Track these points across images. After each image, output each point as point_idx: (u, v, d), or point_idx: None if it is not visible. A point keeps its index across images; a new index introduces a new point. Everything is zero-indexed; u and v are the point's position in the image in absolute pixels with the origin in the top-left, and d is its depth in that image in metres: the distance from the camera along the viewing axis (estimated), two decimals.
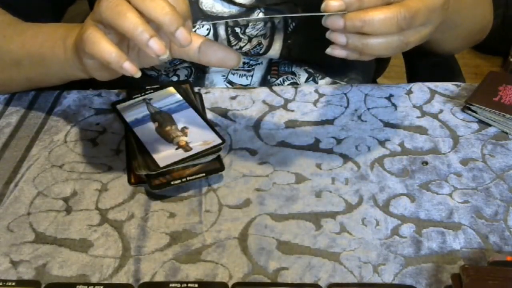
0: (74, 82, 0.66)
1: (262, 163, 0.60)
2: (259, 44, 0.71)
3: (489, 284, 0.43)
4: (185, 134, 0.59)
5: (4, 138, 0.64)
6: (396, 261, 0.50)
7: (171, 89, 0.67)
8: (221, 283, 0.48)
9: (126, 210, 0.55)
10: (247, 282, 0.48)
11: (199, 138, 0.59)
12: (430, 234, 0.52)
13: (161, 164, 0.55)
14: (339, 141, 0.63)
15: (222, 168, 0.57)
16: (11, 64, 0.64)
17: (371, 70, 0.86)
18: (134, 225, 0.53)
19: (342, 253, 0.51)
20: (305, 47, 0.73)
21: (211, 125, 0.61)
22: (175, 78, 0.76)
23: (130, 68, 0.48)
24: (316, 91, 0.70)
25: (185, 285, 0.47)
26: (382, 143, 0.63)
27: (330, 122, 0.66)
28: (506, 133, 0.64)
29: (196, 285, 0.47)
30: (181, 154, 0.57)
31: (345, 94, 0.70)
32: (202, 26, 0.69)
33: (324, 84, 0.77)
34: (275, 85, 0.76)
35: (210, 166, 0.57)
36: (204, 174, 0.56)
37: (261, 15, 0.69)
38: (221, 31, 0.70)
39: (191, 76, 0.75)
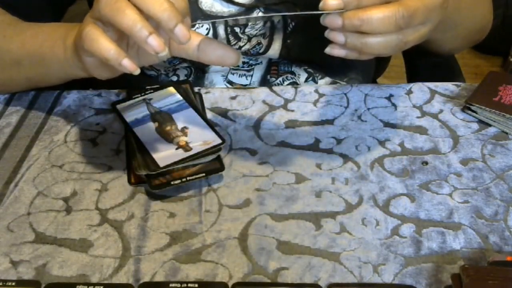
0: (74, 82, 0.66)
1: (262, 163, 0.60)
2: (259, 43, 0.71)
3: (489, 284, 0.43)
4: (185, 134, 0.59)
5: (4, 138, 0.64)
6: (396, 261, 0.50)
7: (171, 89, 0.67)
8: (221, 283, 0.48)
9: (126, 210, 0.55)
10: (247, 282, 0.48)
11: (199, 138, 0.59)
12: (430, 234, 0.52)
13: (161, 164, 0.55)
14: (339, 141, 0.63)
15: (222, 168, 0.57)
16: (11, 64, 0.64)
17: (371, 70, 0.86)
18: (134, 225, 0.53)
19: (342, 253, 0.51)
20: (304, 47, 0.73)
21: (211, 125, 0.61)
22: (174, 78, 0.76)
23: (129, 65, 0.48)
24: (316, 91, 0.71)
25: (185, 285, 0.47)
26: (382, 143, 0.63)
27: (330, 122, 0.66)
28: (506, 133, 0.64)
29: (196, 285, 0.47)
30: (181, 154, 0.57)
31: (345, 94, 0.70)
32: (202, 26, 0.69)
33: (324, 84, 0.77)
34: (275, 85, 0.76)
35: (210, 166, 0.57)
36: (204, 174, 0.56)
37: (260, 15, 0.69)
38: (221, 30, 0.70)
39: (191, 76, 0.75)
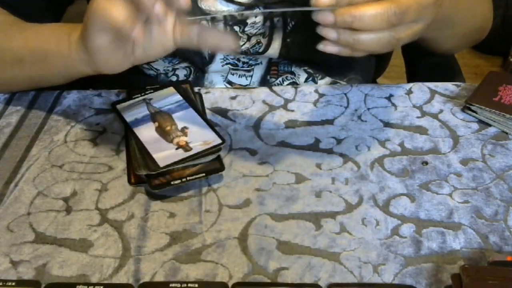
0: (74, 82, 0.66)
1: (262, 163, 0.60)
2: (258, 43, 0.71)
3: (489, 284, 0.43)
4: (185, 134, 0.59)
5: (4, 138, 0.64)
6: (396, 261, 0.50)
7: (171, 89, 0.67)
8: (221, 283, 0.48)
9: (126, 210, 0.55)
10: (247, 282, 0.48)
11: (199, 138, 0.59)
12: (430, 234, 0.52)
13: (161, 164, 0.55)
14: (339, 141, 0.63)
15: (222, 168, 0.57)
16: (13, 62, 0.64)
17: (371, 70, 0.86)
18: (134, 225, 0.53)
19: (342, 253, 0.51)
20: (304, 46, 0.73)
21: (211, 125, 0.61)
22: (174, 78, 0.76)
23: (139, 36, 0.48)
24: (316, 91, 0.70)
25: (185, 285, 0.47)
26: (382, 143, 0.63)
27: (330, 122, 0.66)
28: (506, 133, 0.64)
29: (196, 285, 0.47)
30: (181, 154, 0.57)
31: (345, 94, 0.70)
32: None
33: (324, 84, 0.77)
34: (275, 85, 0.76)
35: (210, 166, 0.57)
36: (204, 174, 0.56)
37: (259, 17, 0.69)
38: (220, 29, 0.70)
39: (190, 76, 0.75)
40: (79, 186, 0.58)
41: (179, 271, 0.49)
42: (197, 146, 0.57)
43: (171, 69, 0.75)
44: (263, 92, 0.70)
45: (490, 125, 0.65)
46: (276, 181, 0.58)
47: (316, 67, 0.77)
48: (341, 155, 0.61)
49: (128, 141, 0.62)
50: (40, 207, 0.55)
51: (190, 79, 0.76)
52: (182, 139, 0.59)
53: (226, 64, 0.74)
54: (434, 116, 0.66)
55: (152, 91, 0.67)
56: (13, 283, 0.48)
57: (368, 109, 0.67)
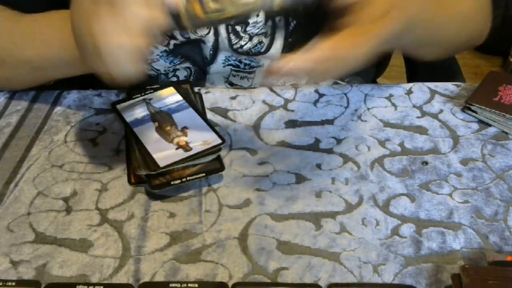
0: (74, 82, 0.66)
1: (262, 163, 0.60)
2: (260, 42, 0.71)
3: (489, 284, 0.43)
4: (185, 134, 0.59)
5: (4, 138, 0.64)
6: (396, 261, 0.50)
7: (171, 89, 0.67)
8: (221, 283, 0.48)
9: (126, 210, 0.55)
10: (247, 282, 0.48)
11: (199, 138, 0.59)
12: (430, 234, 0.52)
13: (161, 164, 0.55)
14: (339, 141, 0.63)
15: (222, 168, 0.57)
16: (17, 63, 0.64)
17: (371, 70, 0.86)
18: (134, 225, 0.53)
19: (342, 253, 0.51)
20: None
21: (211, 125, 0.61)
22: (174, 79, 0.76)
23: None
24: (316, 91, 0.70)
25: (185, 285, 0.47)
26: (382, 143, 0.63)
27: (330, 122, 0.66)
28: (506, 133, 0.64)
29: (196, 285, 0.47)
30: (181, 154, 0.57)
31: (345, 94, 0.70)
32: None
33: (324, 84, 0.77)
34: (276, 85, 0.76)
35: (210, 166, 0.57)
36: (204, 174, 0.56)
37: (260, 16, 0.69)
38: (222, 29, 0.70)
39: (191, 77, 0.75)
40: (79, 186, 0.58)
41: (179, 271, 0.49)
42: (197, 146, 0.57)
43: (172, 70, 0.75)
44: (263, 92, 0.70)
45: (490, 125, 0.65)
46: (276, 181, 0.58)
47: None
48: (341, 155, 0.61)
49: (128, 141, 0.62)
50: (40, 207, 0.55)
51: (190, 80, 0.76)
52: (182, 139, 0.59)
53: (228, 65, 0.74)
54: (434, 116, 0.66)
55: (152, 91, 0.67)
56: (13, 283, 0.48)
57: (368, 109, 0.67)
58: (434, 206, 0.55)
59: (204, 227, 0.53)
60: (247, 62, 0.74)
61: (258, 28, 0.70)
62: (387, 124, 0.65)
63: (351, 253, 0.51)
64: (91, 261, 0.50)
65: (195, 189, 0.57)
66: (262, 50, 0.72)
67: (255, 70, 0.75)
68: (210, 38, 0.70)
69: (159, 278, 0.49)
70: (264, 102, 0.69)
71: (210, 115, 0.67)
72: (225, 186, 0.57)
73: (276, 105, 0.68)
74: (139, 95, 0.66)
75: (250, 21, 0.69)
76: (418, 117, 0.66)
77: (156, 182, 0.55)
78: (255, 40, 0.71)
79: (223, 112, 0.67)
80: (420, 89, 0.71)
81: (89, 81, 0.66)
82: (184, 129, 0.60)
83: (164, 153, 0.57)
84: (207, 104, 0.68)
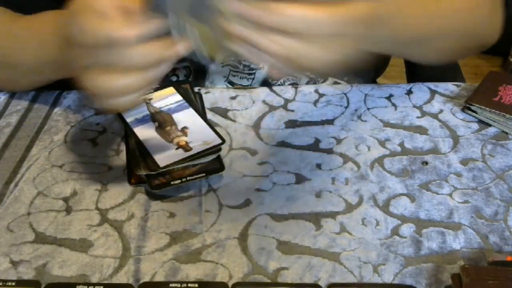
0: (74, 82, 0.66)
1: (262, 163, 0.60)
2: None
3: (489, 284, 0.43)
4: (185, 134, 0.59)
5: (4, 138, 0.64)
6: (396, 261, 0.50)
7: (171, 89, 0.67)
8: (221, 283, 0.48)
9: (126, 210, 0.55)
10: (247, 282, 0.48)
11: (199, 138, 0.59)
12: (430, 234, 0.52)
13: (161, 164, 0.55)
14: (339, 141, 0.63)
15: (222, 168, 0.57)
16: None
17: (371, 70, 0.86)
18: (134, 225, 0.53)
19: (342, 253, 0.51)
20: None
21: (211, 125, 0.61)
22: (174, 78, 0.76)
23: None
24: (316, 91, 0.70)
25: (185, 285, 0.47)
26: (382, 143, 0.63)
27: (330, 122, 0.66)
28: (506, 133, 0.64)
29: (196, 285, 0.47)
30: (181, 154, 0.57)
31: (345, 94, 0.70)
32: None
33: (324, 84, 0.77)
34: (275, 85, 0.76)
35: (210, 166, 0.57)
36: (204, 174, 0.56)
37: None
38: None
39: (190, 76, 0.75)
40: (79, 186, 0.58)
41: (179, 271, 0.49)
42: (197, 146, 0.57)
43: (171, 69, 0.75)
44: (263, 92, 0.70)
45: (490, 125, 0.65)
46: (276, 181, 0.58)
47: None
48: (341, 155, 0.61)
49: (128, 141, 0.62)
50: (40, 207, 0.55)
51: (190, 79, 0.75)
52: (182, 139, 0.59)
53: (226, 65, 0.74)
54: (434, 116, 0.66)
55: (152, 91, 0.67)
56: (13, 283, 0.48)
57: (368, 109, 0.67)
58: (434, 206, 0.55)
59: (204, 227, 0.53)
60: (247, 64, 0.74)
61: None
62: (387, 124, 0.65)
63: (351, 253, 0.51)
64: (91, 261, 0.50)
65: (195, 189, 0.57)
66: None
67: (255, 72, 0.75)
68: None
69: (159, 278, 0.49)
70: (264, 102, 0.69)
71: (210, 115, 0.67)
72: (225, 186, 0.57)
73: (276, 105, 0.68)
74: None
75: None
76: (418, 117, 0.66)
77: (156, 182, 0.55)
78: None
79: (223, 112, 0.67)
80: (420, 89, 0.71)
81: None
82: (184, 129, 0.60)
83: (164, 153, 0.57)
84: (207, 104, 0.68)
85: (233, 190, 0.57)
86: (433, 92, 0.70)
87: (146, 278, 0.49)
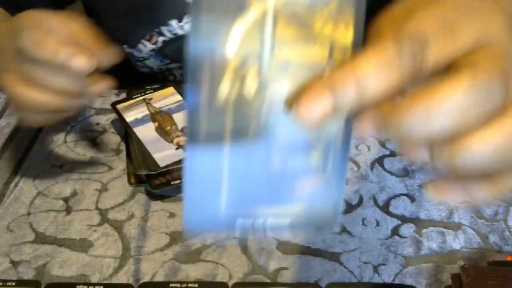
0: None
1: None
2: None
3: (489, 284, 0.43)
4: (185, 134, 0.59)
5: (4, 138, 0.64)
6: (396, 261, 0.50)
7: (171, 89, 0.67)
8: (221, 283, 0.48)
9: (126, 210, 0.55)
10: (247, 282, 0.48)
11: None
12: (430, 234, 0.52)
13: (161, 164, 0.55)
14: None
15: None
16: None
17: None
18: (134, 225, 0.53)
19: (342, 253, 0.51)
20: None
21: None
22: (171, 78, 0.76)
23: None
24: None
25: (185, 285, 0.47)
26: (382, 143, 0.63)
27: None
28: None
29: (196, 285, 0.47)
30: (181, 154, 0.57)
31: None
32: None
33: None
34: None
35: None
36: None
37: None
38: None
39: None
40: (79, 186, 0.58)
41: (179, 271, 0.49)
42: None
43: (165, 69, 0.75)
44: None
45: None
46: None
47: None
48: None
49: (128, 141, 0.62)
50: (40, 207, 0.55)
51: None
52: (182, 139, 0.59)
53: None
54: None
55: (152, 91, 0.67)
56: (13, 283, 0.48)
57: None
58: (434, 206, 0.55)
59: None
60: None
61: None
62: None
63: (351, 253, 0.51)
64: (91, 261, 0.50)
65: None
66: None
67: None
68: None
69: (159, 278, 0.49)
70: None
71: None
72: None
73: None
74: (139, 95, 0.66)
75: None
76: None
77: (156, 182, 0.55)
78: None
79: None
80: None
81: None
82: (184, 129, 0.60)
83: (164, 153, 0.57)
84: None
85: None
86: None
87: (146, 278, 0.49)
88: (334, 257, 0.50)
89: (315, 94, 0.26)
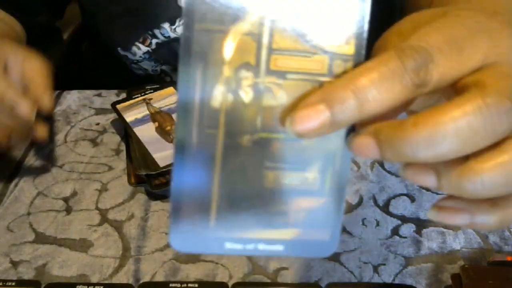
0: (74, 82, 0.66)
1: None
2: None
3: (489, 284, 0.43)
4: None
5: None
6: (396, 261, 0.50)
7: (171, 89, 0.67)
8: (221, 283, 0.48)
9: (126, 210, 0.55)
10: (247, 282, 0.48)
11: None
12: (430, 234, 0.52)
13: (161, 164, 0.55)
14: None
15: None
16: None
17: None
18: (134, 225, 0.53)
19: (342, 253, 0.51)
20: None
21: None
22: (168, 79, 0.76)
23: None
24: None
25: (185, 285, 0.47)
26: None
27: None
28: None
29: (196, 285, 0.47)
30: None
31: None
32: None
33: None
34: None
35: None
36: None
37: None
38: None
39: None
40: (79, 186, 0.58)
41: (179, 271, 0.49)
42: None
43: (159, 71, 0.75)
44: None
45: None
46: None
47: None
48: None
49: (128, 141, 0.62)
50: (40, 207, 0.55)
51: None
52: None
53: None
54: None
55: (152, 91, 0.67)
56: (13, 283, 0.48)
57: None
58: None
59: None
60: None
61: None
62: None
63: (351, 253, 0.51)
64: (91, 261, 0.50)
65: None
66: None
67: None
68: None
69: (159, 278, 0.49)
70: None
71: None
72: None
73: None
74: (139, 95, 0.66)
75: None
76: None
77: (156, 182, 0.55)
78: None
79: None
80: None
81: (89, 80, 0.66)
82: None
83: (164, 153, 0.57)
84: None
85: None
86: None
87: (146, 278, 0.49)
88: (334, 257, 0.50)
89: (311, 107, 0.25)
